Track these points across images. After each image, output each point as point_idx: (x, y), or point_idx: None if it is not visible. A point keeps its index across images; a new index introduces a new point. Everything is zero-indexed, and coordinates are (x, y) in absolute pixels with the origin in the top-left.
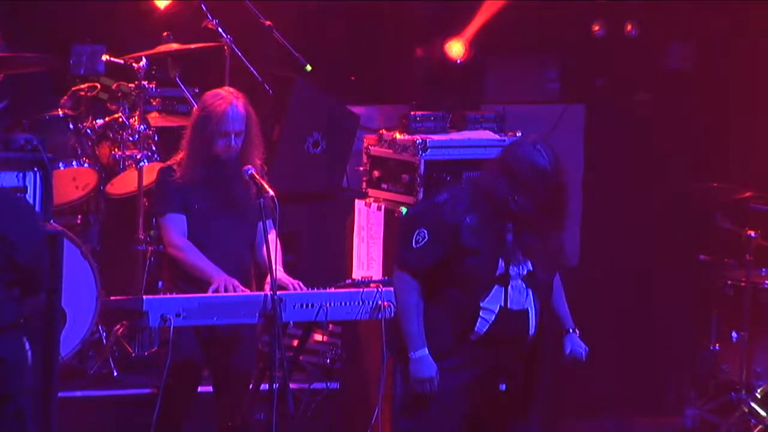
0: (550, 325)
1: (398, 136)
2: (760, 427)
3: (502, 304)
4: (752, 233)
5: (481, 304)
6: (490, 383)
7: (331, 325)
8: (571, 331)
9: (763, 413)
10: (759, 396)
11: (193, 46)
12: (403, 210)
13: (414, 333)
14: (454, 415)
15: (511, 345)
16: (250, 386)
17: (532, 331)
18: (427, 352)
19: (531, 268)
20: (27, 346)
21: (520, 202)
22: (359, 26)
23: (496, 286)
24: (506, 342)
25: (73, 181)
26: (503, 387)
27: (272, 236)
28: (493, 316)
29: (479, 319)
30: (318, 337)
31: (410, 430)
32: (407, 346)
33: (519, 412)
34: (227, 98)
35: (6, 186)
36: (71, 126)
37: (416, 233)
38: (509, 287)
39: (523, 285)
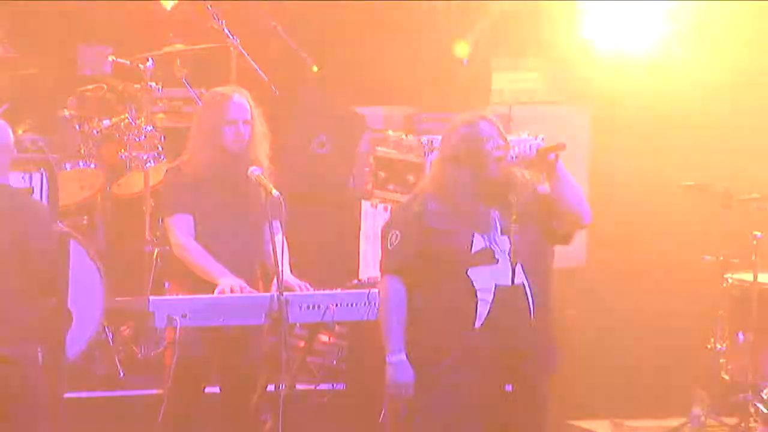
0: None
1: (404, 137)
2: (766, 428)
3: (497, 282)
4: (758, 233)
5: (476, 287)
6: (496, 381)
7: (337, 326)
8: None
9: None
10: (765, 397)
11: (199, 46)
12: None
13: (393, 337)
14: (464, 414)
15: (515, 333)
16: (256, 387)
17: (532, 309)
18: (404, 357)
19: (511, 245)
20: (38, 348)
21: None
22: (365, 27)
23: (483, 266)
24: (510, 326)
25: (79, 181)
26: (509, 388)
27: (279, 237)
28: (491, 296)
29: (479, 302)
30: (324, 338)
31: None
32: (386, 350)
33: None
34: (228, 89)
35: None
36: (77, 127)
37: (389, 236)
38: (497, 264)
39: (510, 261)
